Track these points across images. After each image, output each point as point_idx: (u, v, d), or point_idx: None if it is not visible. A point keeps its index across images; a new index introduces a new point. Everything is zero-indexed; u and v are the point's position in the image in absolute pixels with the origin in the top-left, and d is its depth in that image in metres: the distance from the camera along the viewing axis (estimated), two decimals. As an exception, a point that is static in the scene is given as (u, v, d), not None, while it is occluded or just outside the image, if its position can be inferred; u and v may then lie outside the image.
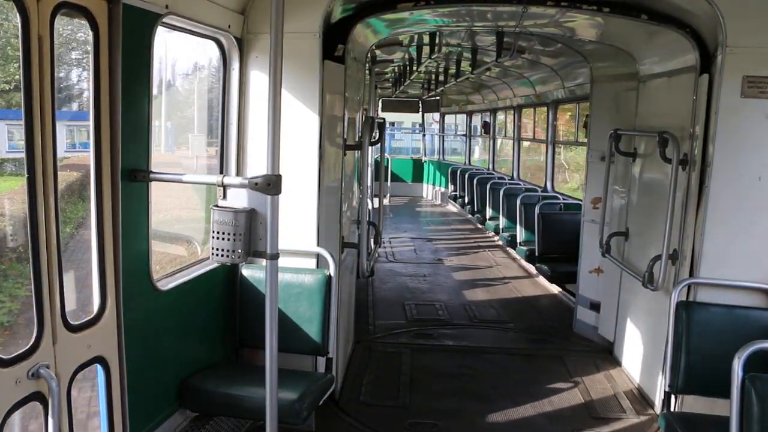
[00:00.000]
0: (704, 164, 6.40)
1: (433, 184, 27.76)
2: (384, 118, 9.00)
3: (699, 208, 6.47)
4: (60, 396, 4.04)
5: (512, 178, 18.21)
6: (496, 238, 16.83)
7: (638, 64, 8.43)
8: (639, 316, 8.25)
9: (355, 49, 7.59)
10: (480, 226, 18.91)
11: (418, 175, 28.64)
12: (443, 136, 28.32)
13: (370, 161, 9.40)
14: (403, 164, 29.09)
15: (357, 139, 8.17)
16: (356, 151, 8.18)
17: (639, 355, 8.19)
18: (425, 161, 28.64)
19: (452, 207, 23.90)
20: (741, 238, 6.29)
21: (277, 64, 4.24)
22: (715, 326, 6.05)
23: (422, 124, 29.88)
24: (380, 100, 27.86)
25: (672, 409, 6.20)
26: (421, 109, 28.91)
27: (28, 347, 3.96)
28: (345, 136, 7.48)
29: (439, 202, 26.46)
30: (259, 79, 6.65)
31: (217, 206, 4.91)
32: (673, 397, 6.21)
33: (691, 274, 6.53)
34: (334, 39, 6.92)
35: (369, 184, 10.07)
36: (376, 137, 8.29)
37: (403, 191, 28.01)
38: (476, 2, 7.69)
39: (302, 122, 6.59)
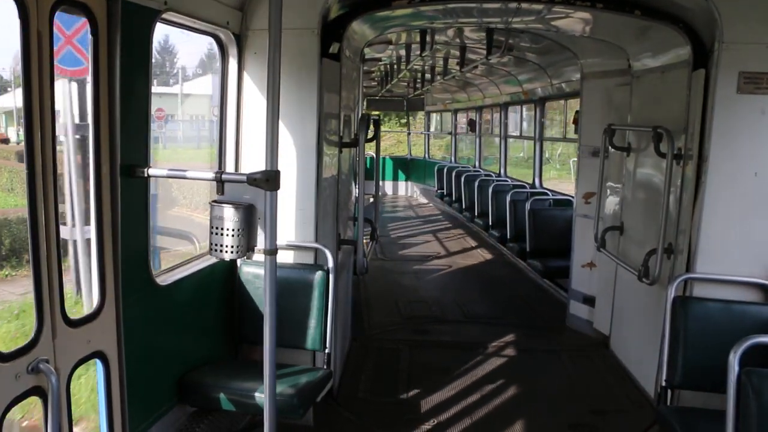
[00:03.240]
0: (700, 159, 6.43)
1: (418, 182, 27.79)
2: (379, 116, 9.03)
3: (695, 202, 6.49)
4: (59, 390, 4.05)
5: (499, 175, 18.21)
6: (485, 235, 16.87)
7: (631, 60, 8.44)
8: (635, 310, 8.28)
9: (350, 47, 7.61)
10: (468, 223, 18.93)
11: (402, 173, 28.65)
12: (428, 135, 28.31)
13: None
14: (387, 162, 29.22)
15: (353, 137, 8.18)
16: (352, 149, 8.19)
17: (635, 350, 8.22)
18: (409, 159, 28.69)
19: (440, 205, 23.89)
20: (737, 233, 6.32)
21: (275, 60, 4.26)
22: (712, 321, 6.08)
23: (407, 123, 29.97)
24: (365, 99, 27.96)
25: (668, 404, 6.23)
26: (406, 108, 28.97)
27: (27, 342, 3.98)
28: (341, 134, 7.50)
29: (425, 200, 26.42)
30: (257, 76, 6.65)
31: (215, 202, 4.93)
32: (669, 391, 6.23)
33: (687, 269, 6.56)
34: (330, 36, 6.93)
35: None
36: (372, 135, 8.31)
37: (387, 189, 28.03)
38: (470, 0, 7.71)
39: (300, 119, 6.59)
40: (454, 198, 20.35)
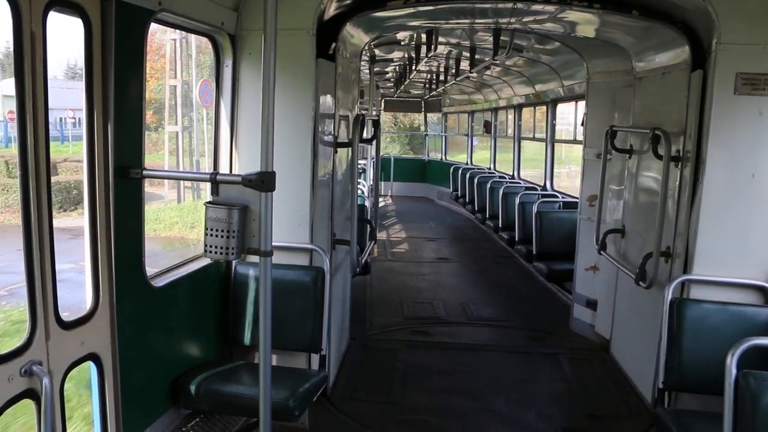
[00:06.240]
0: (698, 161, 6.41)
1: (434, 184, 27.70)
2: (378, 116, 9.01)
3: (693, 205, 6.47)
4: (53, 393, 4.03)
5: (513, 178, 18.05)
6: (497, 237, 16.82)
7: (634, 61, 8.40)
8: (635, 313, 8.23)
9: (346, 47, 7.58)
10: (481, 225, 18.87)
11: (422, 175, 28.58)
12: (446, 136, 28.28)
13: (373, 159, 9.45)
14: (407, 163, 29.10)
15: (350, 137, 8.16)
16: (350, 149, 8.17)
17: (635, 353, 8.18)
18: (428, 161, 28.64)
19: (455, 207, 23.77)
20: (734, 235, 6.30)
21: (270, 61, 4.22)
22: (709, 323, 6.06)
23: (425, 124, 29.96)
24: (383, 100, 27.89)
25: (666, 406, 6.21)
26: (423, 109, 28.98)
27: (21, 344, 3.96)
28: (336, 134, 7.48)
29: (441, 202, 26.28)
30: (252, 76, 6.63)
31: (210, 203, 4.90)
32: (666, 393, 6.22)
33: (685, 271, 6.53)
34: (328, 37, 6.91)
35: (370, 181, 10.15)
36: (371, 135, 8.28)
37: (407, 191, 27.95)
38: (466, 1, 7.69)
39: (296, 119, 6.57)
40: (467, 200, 20.24)
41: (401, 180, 27.78)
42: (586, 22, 8.11)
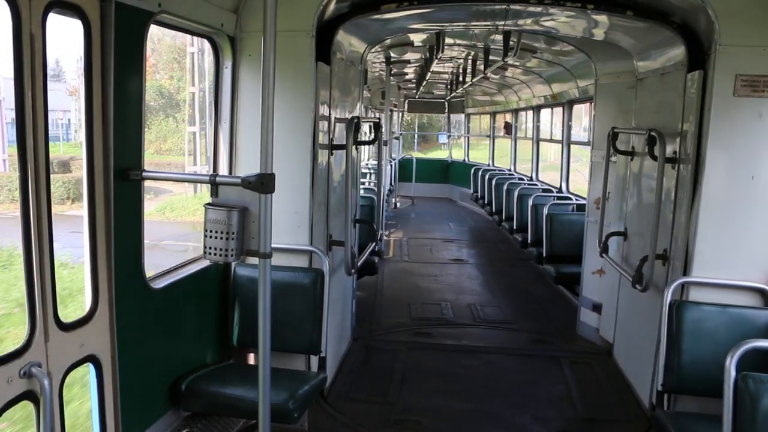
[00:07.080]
0: (698, 163, 6.40)
1: (457, 185, 27.59)
2: (379, 119, 8.98)
3: (692, 207, 6.47)
4: (52, 395, 4.04)
5: (531, 179, 17.95)
6: (512, 238, 16.77)
7: (636, 61, 8.39)
8: (637, 317, 8.20)
9: (342, 50, 7.58)
10: (498, 227, 18.82)
11: (444, 176, 28.50)
12: (468, 137, 28.26)
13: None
14: (429, 164, 29.20)
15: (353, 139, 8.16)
16: (355, 151, 8.16)
17: (636, 357, 8.15)
18: (450, 162, 28.67)
19: (475, 208, 23.66)
20: (734, 237, 6.29)
21: (270, 63, 4.23)
22: (708, 325, 6.06)
23: (448, 125, 30.01)
24: (406, 101, 27.86)
25: (665, 409, 6.20)
26: (447, 110, 29.09)
27: (20, 346, 3.96)
28: (333, 137, 7.48)
29: (464, 203, 26.08)
30: (251, 78, 6.63)
31: (210, 205, 4.90)
32: (665, 396, 6.21)
33: (684, 274, 6.52)
34: (328, 39, 6.92)
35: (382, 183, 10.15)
36: (373, 137, 8.26)
37: (429, 192, 27.85)
38: (459, 2, 7.67)
39: (295, 121, 6.57)
40: (486, 201, 20.07)
41: (423, 181, 27.60)
42: (602, 23, 8.05)
